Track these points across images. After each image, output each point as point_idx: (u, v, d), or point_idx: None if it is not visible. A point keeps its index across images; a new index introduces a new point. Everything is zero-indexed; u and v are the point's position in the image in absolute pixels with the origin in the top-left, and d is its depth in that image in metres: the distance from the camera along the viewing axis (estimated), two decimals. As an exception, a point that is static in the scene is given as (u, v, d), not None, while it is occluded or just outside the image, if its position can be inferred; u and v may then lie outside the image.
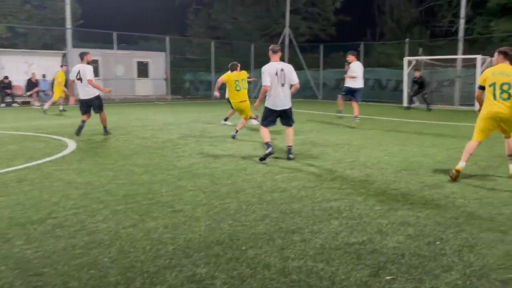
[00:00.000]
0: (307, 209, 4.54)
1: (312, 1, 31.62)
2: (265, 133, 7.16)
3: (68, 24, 20.35)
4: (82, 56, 9.56)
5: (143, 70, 27.19)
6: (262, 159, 6.97)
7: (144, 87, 26.98)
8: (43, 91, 19.82)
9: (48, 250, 3.48)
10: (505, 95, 5.69)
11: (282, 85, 7.07)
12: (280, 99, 7.10)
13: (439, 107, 19.44)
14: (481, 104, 6.06)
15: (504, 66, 5.87)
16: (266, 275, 3.10)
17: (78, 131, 9.39)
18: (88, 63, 9.53)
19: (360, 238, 3.76)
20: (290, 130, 7.30)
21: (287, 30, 27.42)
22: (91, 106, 9.55)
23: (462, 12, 20.25)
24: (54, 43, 24.23)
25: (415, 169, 6.52)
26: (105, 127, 9.87)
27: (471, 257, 3.40)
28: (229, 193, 5.13)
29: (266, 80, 7.04)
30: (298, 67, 26.45)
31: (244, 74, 10.46)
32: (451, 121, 13.50)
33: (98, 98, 9.59)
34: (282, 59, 7.49)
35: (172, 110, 17.46)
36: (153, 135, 9.94)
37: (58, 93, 15.35)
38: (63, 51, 21.70)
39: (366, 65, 25.34)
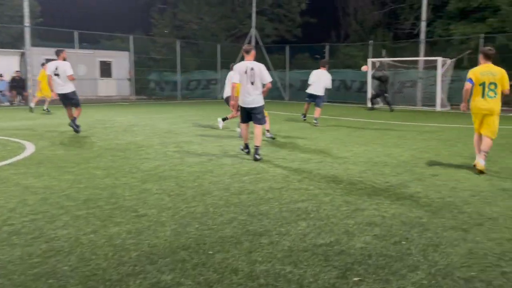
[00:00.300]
0: (275, 211, 4.50)
1: (278, 3, 31.76)
2: (244, 133, 7.62)
3: (27, 22, 19.61)
4: (58, 53, 10.06)
5: (106, 70, 26.56)
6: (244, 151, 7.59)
7: (107, 88, 26.37)
8: (1, 91, 19.05)
9: (2, 260, 3.29)
10: (491, 94, 6.45)
11: (252, 83, 7.18)
12: (248, 97, 7.24)
13: (402, 108, 19.89)
14: (466, 101, 6.68)
15: (489, 65, 6.56)
16: (234, 280, 3.03)
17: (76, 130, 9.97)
18: (64, 59, 10.03)
19: (327, 239, 3.75)
20: (258, 130, 7.32)
21: (253, 31, 27.42)
22: (68, 99, 10.02)
23: (424, 15, 20.81)
24: (12, 42, 23.35)
25: (380, 169, 6.60)
26: (74, 118, 10.08)
27: (436, 256, 3.44)
28: (195, 196, 5.03)
29: (234, 78, 7.35)
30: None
31: None
32: (413, 122, 13.82)
33: (75, 93, 10.06)
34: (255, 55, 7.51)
35: (136, 111, 17.12)
36: (116, 137, 9.69)
37: (46, 91, 14.59)
38: (22, 50, 20.93)
39: (331, 66, 25.72)
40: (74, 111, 10.14)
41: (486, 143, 6.57)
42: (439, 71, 18.60)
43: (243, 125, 7.62)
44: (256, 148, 7.22)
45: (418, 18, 24.27)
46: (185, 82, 26.67)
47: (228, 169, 6.47)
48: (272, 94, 24.61)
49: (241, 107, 7.43)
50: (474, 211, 4.56)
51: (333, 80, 18.43)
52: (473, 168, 6.63)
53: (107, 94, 26.09)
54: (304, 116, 13.26)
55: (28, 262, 3.26)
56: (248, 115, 7.42)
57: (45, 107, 15.55)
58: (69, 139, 9.19)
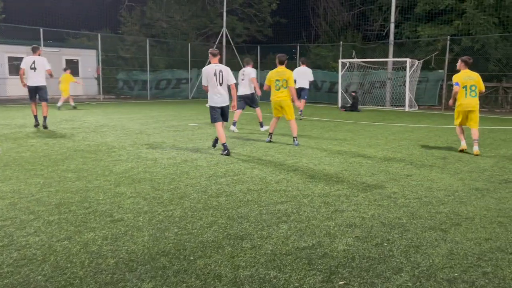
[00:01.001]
0: (255, 214, 4.44)
1: (248, 2, 31.70)
2: (221, 133, 7.80)
3: (-11, 18, 18.84)
4: (35, 49, 10.90)
5: (72, 68, 25.85)
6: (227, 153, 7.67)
7: (74, 87, 25.63)
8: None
9: (-30, 271, 3.10)
10: (473, 94, 8.19)
11: (220, 84, 7.78)
12: (219, 97, 7.82)
13: (371, 108, 20.20)
14: (454, 100, 8.49)
15: (468, 71, 8.34)
16: (218, 286, 2.95)
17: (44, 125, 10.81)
18: (39, 55, 10.87)
19: (310, 242, 3.72)
20: (219, 127, 7.83)
21: (224, 30, 27.27)
22: (37, 93, 10.76)
23: (392, 17, 21.18)
24: (-29, 39, 22.41)
25: (356, 169, 6.64)
26: (45, 117, 10.91)
27: (418, 257, 3.46)
28: (172, 199, 4.91)
29: (204, 81, 7.88)
30: (235, 68, 26.45)
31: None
32: (383, 122, 14.03)
33: (46, 86, 10.89)
34: (220, 59, 8.13)
35: (105, 110, 16.72)
36: (85, 137, 9.40)
37: (67, 92, 17.37)
38: (-17, 47, 20.13)
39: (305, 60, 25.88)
40: (43, 108, 10.84)
41: (475, 133, 8.28)
42: (408, 72, 18.97)
43: (219, 124, 7.83)
44: (224, 145, 7.75)
45: (386, 20, 24.70)
46: (155, 81, 26.26)
47: (204, 170, 6.37)
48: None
49: (213, 107, 7.84)
50: (451, 211, 4.62)
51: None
52: (446, 168, 6.77)
53: (74, 94, 25.39)
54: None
55: (-2, 272, 3.08)
56: (221, 113, 7.89)
57: (59, 104, 17.04)
58: (36, 140, 8.85)
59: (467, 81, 8.15)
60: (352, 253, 3.51)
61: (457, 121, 8.48)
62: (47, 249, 3.48)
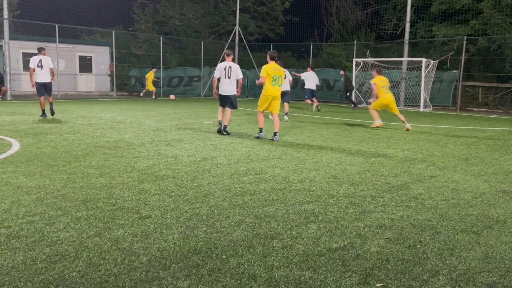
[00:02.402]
0: (282, 213, 4.40)
1: (261, 0, 31.63)
2: (224, 116, 9.94)
3: (5, 14, 18.98)
4: (40, 50, 12.20)
5: (86, 65, 26.00)
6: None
7: (87, 83, 25.81)
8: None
9: (5, 265, 3.09)
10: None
11: (228, 77, 9.73)
12: (225, 87, 9.83)
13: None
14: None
15: (382, 76, 11.97)
16: (253, 286, 2.92)
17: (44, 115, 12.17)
18: (44, 55, 12.11)
19: (341, 243, 3.67)
20: (228, 112, 9.93)
21: (237, 28, 27.24)
22: (45, 88, 12.06)
23: (408, 16, 21.00)
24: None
25: (378, 169, 6.57)
26: (51, 103, 12.41)
27: (453, 260, 3.40)
28: (197, 196, 4.89)
29: (216, 73, 9.92)
30: (248, 66, 26.41)
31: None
32: (399, 122, 13.90)
33: (51, 83, 12.24)
34: (233, 58, 10.09)
35: (119, 107, 16.77)
36: (103, 134, 9.42)
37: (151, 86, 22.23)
38: (-1, 43, 20.31)
39: (314, 65, 25.81)
40: (50, 100, 12.28)
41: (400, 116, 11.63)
42: (424, 72, 18.81)
43: (221, 109, 10.08)
44: (225, 127, 9.81)
45: (400, 19, 24.52)
46: (167, 78, 26.29)
47: (225, 169, 6.34)
48: (255, 92, 24.53)
49: (220, 94, 9.96)
50: (481, 214, 4.55)
51: None
52: (469, 170, 6.68)
53: (87, 90, 25.54)
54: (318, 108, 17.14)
55: (33, 267, 3.07)
56: (226, 101, 9.90)
57: (153, 97, 22.56)
58: (55, 136, 8.89)
59: (385, 83, 11.96)
60: (385, 255, 3.45)
61: (379, 108, 12.15)
62: (79, 245, 3.47)
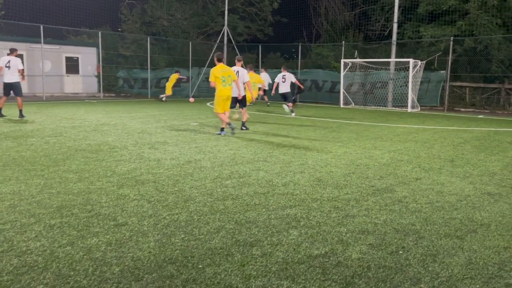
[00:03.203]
0: (263, 218, 4.29)
1: (249, 1, 31.52)
2: (238, 115, 11.88)
3: (-12, 14, 18.65)
4: (12, 51, 12.51)
5: (72, 66, 25.67)
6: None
7: (73, 84, 25.48)
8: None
9: (-32, 279, 2.95)
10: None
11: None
12: (235, 90, 10.58)
13: (373, 108, 20.08)
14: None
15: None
16: (229, 297, 2.81)
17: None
18: (17, 56, 12.54)
19: (322, 250, 3.57)
20: (243, 111, 11.31)
21: (225, 29, 27.10)
22: (12, 88, 12.33)
23: (395, 16, 21.02)
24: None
25: (363, 172, 6.50)
26: (21, 111, 12.46)
27: (436, 267, 3.32)
28: (177, 202, 4.76)
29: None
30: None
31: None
32: (386, 123, 13.90)
33: (19, 83, 12.48)
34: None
35: (105, 109, 16.55)
36: (86, 137, 9.25)
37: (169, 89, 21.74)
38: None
39: (303, 66, 25.72)
40: (19, 102, 12.41)
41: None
42: (411, 72, 18.84)
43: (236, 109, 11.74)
44: (243, 122, 11.22)
45: (388, 20, 24.57)
46: (155, 79, 26.07)
47: (208, 172, 6.22)
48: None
49: (232, 96, 10.56)
50: (465, 217, 4.48)
51: (304, 80, 22.53)
52: (455, 171, 6.64)
53: (74, 91, 25.23)
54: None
55: (-2, 281, 2.93)
56: (239, 101, 11.02)
57: (164, 99, 21.96)
58: (36, 139, 8.69)
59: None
60: (367, 262, 3.36)
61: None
62: (49, 256, 3.33)
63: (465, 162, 7.45)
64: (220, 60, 9.93)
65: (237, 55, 27.26)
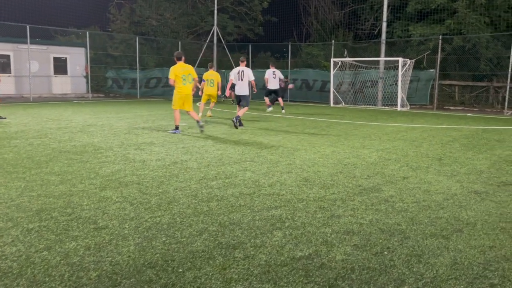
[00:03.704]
0: (248, 220, 4.22)
1: (239, 0, 31.42)
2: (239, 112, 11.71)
3: (-27, 14, 18.38)
4: None
5: (60, 66, 25.41)
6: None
7: (62, 85, 25.23)
8: None
9: None
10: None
11: (241, 80, 11.65)
12: (238, 88, 11.79)
13: (363, 108, 20.09)
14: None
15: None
16: (208, 302, 2.73)
17: None
18: None
19: (306, 251, 3.51)
20: (243, 109, 11.70)
21: (215, 29, 26.99)
22: None
23: (384, 15, 21.05)
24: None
25: (351, 171, 6.45)
26: None
27: (421, 267, 3.27)
28: (160, 204, 4.68)
29: (231, 77, 11.83)
30: (227, 67, 26.17)
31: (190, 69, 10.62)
32: (376, 122, 13.89)
33: None
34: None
35: (93, 109, 16.38)
36: (71, 138, 9.11)
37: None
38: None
39: (293, 65, 25.69)
40: None
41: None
42: (401, 71, 18.87)
43: (238, 107, 12.12)
44: (237, 117, 11.23)
45: (377, 19, 24.60)
46: (145, 79, 25.89)
47: (194, 173, 6.13)
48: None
49: (236, 94, 12.06)
50: (451, 216, 4.45)
51: (295, 80, 23.06)
52: (442, 170, 6.62)
53: (62, 92, 24.98)
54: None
55: (-31, 288, 2.83)
56: (239, 100, 11.91)
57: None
58: (20, 141, 8.55)
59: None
60: (351, 263, 3.31)
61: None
62: (24, 261, 3.23)
63: (453, 160, 7.44)
64: (179, 59, 10.11)
65: (230, 55, 27.30)
